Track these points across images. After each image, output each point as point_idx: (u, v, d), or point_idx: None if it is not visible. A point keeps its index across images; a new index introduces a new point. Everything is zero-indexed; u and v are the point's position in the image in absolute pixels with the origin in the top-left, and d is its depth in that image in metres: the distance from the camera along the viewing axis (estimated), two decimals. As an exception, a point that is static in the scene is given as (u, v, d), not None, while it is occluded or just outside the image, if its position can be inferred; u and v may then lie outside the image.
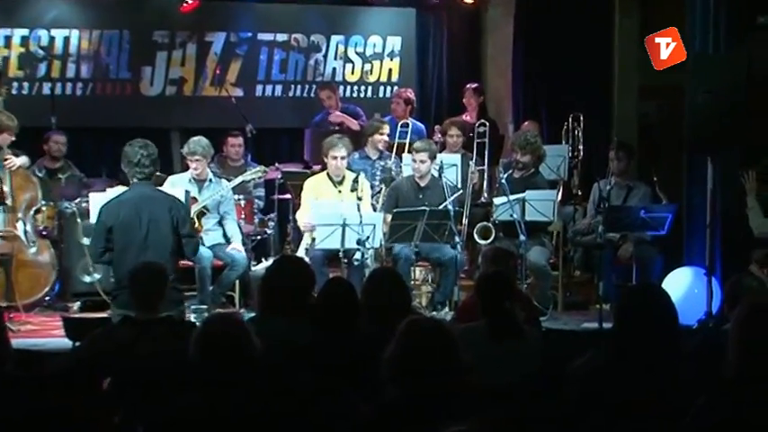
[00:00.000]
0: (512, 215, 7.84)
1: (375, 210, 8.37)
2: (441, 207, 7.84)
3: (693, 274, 8.06)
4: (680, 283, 7.98)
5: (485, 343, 4.81)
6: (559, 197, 8.98)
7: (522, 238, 7.72)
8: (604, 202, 8.08)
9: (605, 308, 7.59)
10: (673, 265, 8.27)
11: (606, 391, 3.69)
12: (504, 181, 7.94)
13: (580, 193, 9.43)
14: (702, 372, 3.71)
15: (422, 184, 8.36)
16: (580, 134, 9.70)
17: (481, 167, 9.03)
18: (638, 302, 3.83)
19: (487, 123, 9.34)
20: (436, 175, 8.27)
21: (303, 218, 8.15)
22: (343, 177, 8.25)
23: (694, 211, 8.30)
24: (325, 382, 3.74)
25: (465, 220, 8.45)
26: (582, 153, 9.68)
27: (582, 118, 9.72)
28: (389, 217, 7.90)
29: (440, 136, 9.58)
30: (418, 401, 3.26)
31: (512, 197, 7.88)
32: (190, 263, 7.44)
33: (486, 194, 8.82)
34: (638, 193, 8.56)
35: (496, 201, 8.07)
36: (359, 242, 7.51)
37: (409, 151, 8.70)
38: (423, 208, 7.81)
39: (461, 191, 8.45)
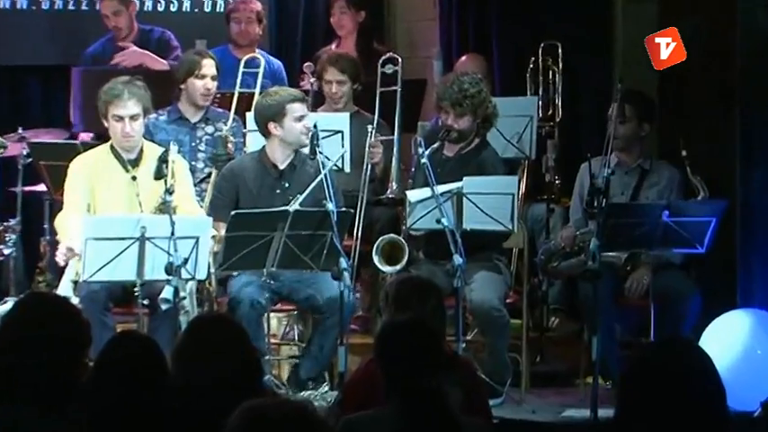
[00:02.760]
0: (439, 220, 7.89)
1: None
2: (306, 204, 7.88)
3: (753, 322, 8.22)
4: (730, 339, 8.13)
5: (392, 446, 4.84)
6: (522, 189, 9.07)
7: (459, 260, 7.77)
8: (600, 198, 8.16)
9: (603, 384, 7.69)
10: (717, 307, 8.42)
11: None
12: (425, 161, 8.00)
13: (558, 181, 9.55)
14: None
15: (281, 166, 8.38)
16: (558, 78, 9.83)
17: (387, 137, 9.09)
18: (657, 371, 3.87)
19: (399, 59, 9.39)
20: (307, 150, 8.27)
21: (66, 231, 8.06)
22: (141, 154, 8.25)
23: (753, 213, 8.46)
24: None
25: (358, 231, 8.49)
26: (561, 111, 9.80)
27: (561, 50, 9.86)
28: (223, 226, 7.88)
29: (312, 80, 9.63)
30: None
31: (440, 189, 7.95)
32: None
33: (394, 184, 8.87)
34: (659, 180, 8.72)
35: (412, 195, 8.12)
36: (169, 270, 7.48)
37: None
38: (284, 208, 7.83)
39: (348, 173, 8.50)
